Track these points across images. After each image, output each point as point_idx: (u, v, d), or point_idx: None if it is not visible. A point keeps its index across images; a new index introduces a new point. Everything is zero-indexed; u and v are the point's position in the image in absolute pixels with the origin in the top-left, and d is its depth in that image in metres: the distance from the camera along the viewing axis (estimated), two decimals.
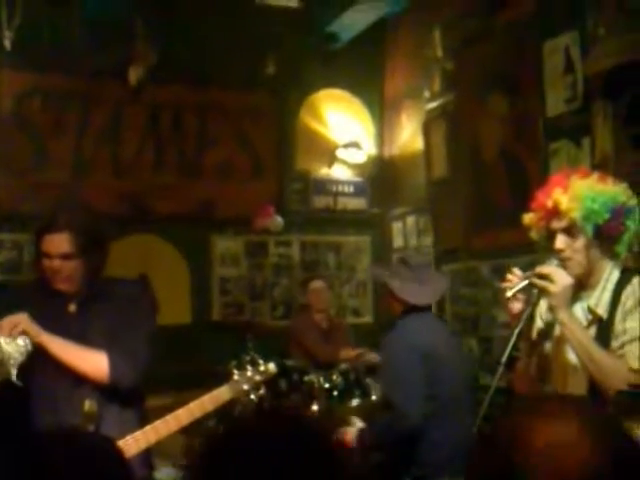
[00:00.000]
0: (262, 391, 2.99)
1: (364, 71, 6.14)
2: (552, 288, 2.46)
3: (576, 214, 2.55)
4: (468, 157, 5.08)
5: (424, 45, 5.53)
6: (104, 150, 5.53)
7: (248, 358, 3.01)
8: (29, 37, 4.97)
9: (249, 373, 2.99)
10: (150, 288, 5.44)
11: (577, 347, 2.45)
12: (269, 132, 5.97)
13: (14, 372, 2.59)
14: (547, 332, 2.80)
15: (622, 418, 1.85)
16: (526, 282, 2.55)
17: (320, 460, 1.19)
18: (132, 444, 2.71)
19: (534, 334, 2.83)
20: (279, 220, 5.83)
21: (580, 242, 2.59)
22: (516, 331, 2.43)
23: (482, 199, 4.94)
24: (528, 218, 2.80)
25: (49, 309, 2.91)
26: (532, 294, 2.56)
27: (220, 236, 5.84)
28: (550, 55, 4.31)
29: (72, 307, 2.94)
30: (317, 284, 5.48)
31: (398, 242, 5.96)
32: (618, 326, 2.50)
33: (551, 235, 2.67)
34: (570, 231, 2.62)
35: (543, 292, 2.56)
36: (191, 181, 5.74)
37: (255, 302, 5.91)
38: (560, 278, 2.48)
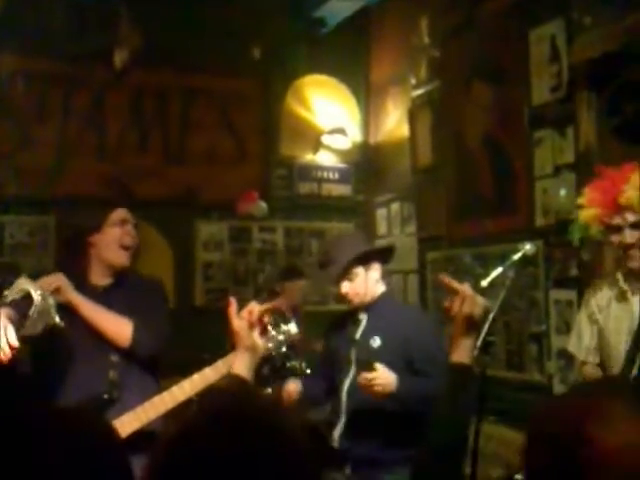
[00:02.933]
0: (284, 349, 3.03)
1: (350, 57, 6.13)
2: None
3: None
4: (453, 145, 5.08)
5: (410, 32, 5.52)
6: (88, 134, 5.49)
7: (269, 319, 3.04)
8: (13, 20, 4.92)
9: (272, 332, 3.03)
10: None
11: None
12: (254, 117, 5.95)
13: (57, 319, 2.75)
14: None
15: None
16: (500, 270, 2.57)
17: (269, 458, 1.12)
18: (150, 409, 2.84)
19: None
20: (263, 206, 5.82)
21: None
22: (491, 316, 2.45)
23: (466, 187, 4.95)
24: (588, 215, 2.88)
25: (77, 287, 3.01)
26: (508, 280, 2.59)
27: (204, 221, 5.82)
28: (536, 44, 4.31)
29: (102, 283, 3.07)
30: (298, 285, 5.32)
31: (382, 229, 5.96)
32: None
33: (614, 229, 2.76)
34: (638, 225, 2.73)
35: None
36: (175, 166, 5.72)
37: (239, 287, 5.90)
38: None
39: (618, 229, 2.80)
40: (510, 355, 4.44)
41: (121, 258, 3.05)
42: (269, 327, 3.01)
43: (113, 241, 3.03)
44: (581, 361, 3.12)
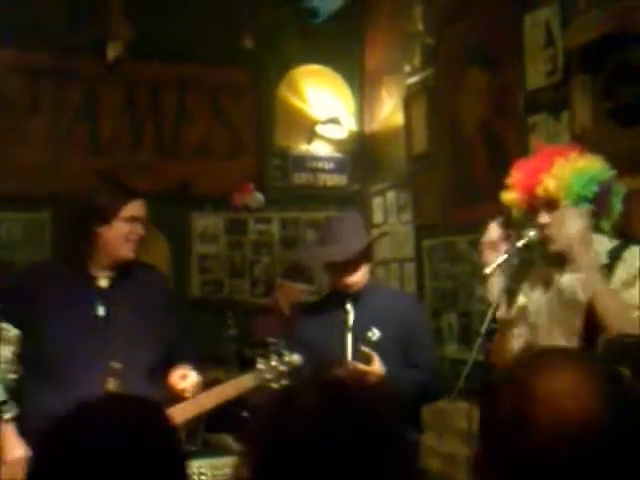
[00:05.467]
0: (285, 381, 2.99)
1: (344, 46, 6.09)
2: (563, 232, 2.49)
3: (566, 201, 2.59)
4: (448, 132, 5.06)
5: (404, 20, 5.49)
6: (81, 128, 5.46)
7: (274, 348, 3.02)
8: (4, 14, 4.89)
9: (273, 362, 3.01)
10: None
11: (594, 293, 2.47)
12: (248, 108, 5.92)
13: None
14: (527, 311, 2.81)
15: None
16: (505, 257, 2.56)
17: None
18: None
19: (514, 310, 2.83)
20: (259, 197, 5.80)
21: None
22: (494, 304, 2.44)
23: (461, 174, 4.92)
24: (509, 198, 2.80)
25: (76, 285, 2.96)
26: (511, 267, 2.58)
27: (199, 214, 5.80)
28: (530, 28, 4.28)
29: (103, 282, 3.01)
30: (299, 286, 5.24)
31: (378, 218, 5.94)
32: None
33: (533, 210, 2.69)
34: (553, 205, 2.64)
35: (548, 242, 2.59)
36: (169, 158, 5.69)
37: (235, 279, 5.88)
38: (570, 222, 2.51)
39: (536, 210, 2.73)
40: None
41: (126, 251, 3.01)
42: (271, 356, 3.00)
43: (120, 236, 2.99)
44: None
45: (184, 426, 2.86)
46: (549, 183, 2.63)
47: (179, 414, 2.82)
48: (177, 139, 5.72)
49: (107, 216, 2.98)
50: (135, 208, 3.04)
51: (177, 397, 2.95)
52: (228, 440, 3.91)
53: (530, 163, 2.80)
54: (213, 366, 4.57)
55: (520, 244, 2.78)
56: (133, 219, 3.02)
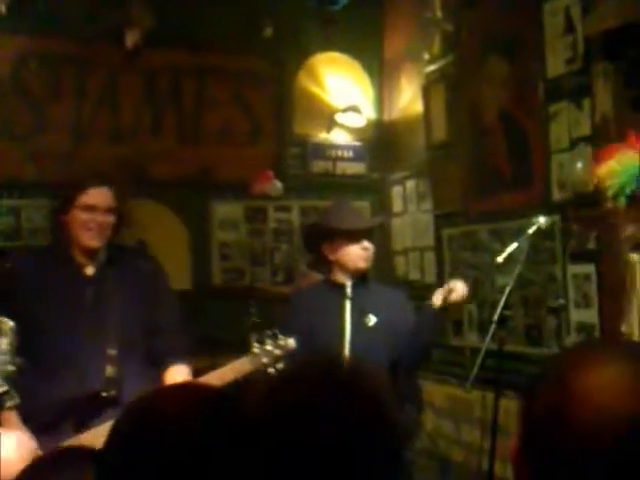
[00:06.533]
0: (281, 365, 3.03)
1: (363, 34, 6.07)
2: None
3: (610, 191, 2.64)
4: (468, 120, 5.04)
5: (423, 7, 5.47)
6: (101, 115, 5.48)
7: (269, 332, 3.06)
8: (25, 1, 4.91)
9: (269, 347, 3.05)
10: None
11: None
12: (267, 96, 5.93)
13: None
14: None
15: None
16: (516, 245, 2.58)
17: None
18: None
19: None
20: (278, 185, 5.80)
21: None
22: (507, 290, 2.46)
23: (481, 163, 4.91)
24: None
25: (63, 273, 2.97)
26: (523, 254, 2.60)
27: (219, 201, 5.81)
28: (550, 16, 4.25)
29: (89, 270, 3.02)
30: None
31: (397, 206, 5.94)
32: None
33: None
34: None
35: None
36: (190, 146, 5.71)
37: (255, 267, 5.90)
38: None
39: None
40: (528, 330, 4.42)
41: (87, 240, 2.99)
42: (267, 341, 3.05)
43: (79, 225, 2.98)
44: None
45: None
46: (599, 174, 2.69)
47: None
48: (197, 126, 5.74)
49: (65, 205, 2.98)
50: (92, 197, 2.99)
51: None
52: None
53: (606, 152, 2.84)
54: (234, 354, 4.60)
55: (530, 231, 2.80)
56: (90, 207, 2.98)
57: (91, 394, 2.80)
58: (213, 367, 4.39)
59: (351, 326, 3.30)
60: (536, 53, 4.34)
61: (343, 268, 3.39)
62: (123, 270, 3.07)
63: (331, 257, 3.40)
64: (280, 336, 3.10)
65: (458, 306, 3.21)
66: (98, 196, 3.00)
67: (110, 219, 3.02)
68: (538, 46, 4.32)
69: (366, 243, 3.36)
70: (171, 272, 5.52)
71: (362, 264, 3.37)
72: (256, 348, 3.08)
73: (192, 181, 5.61)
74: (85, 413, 2.76)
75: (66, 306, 2.94)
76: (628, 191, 2.64)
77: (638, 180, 2.63)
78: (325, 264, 3.45)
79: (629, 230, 2.73)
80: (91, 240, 2.99)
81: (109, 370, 2.84)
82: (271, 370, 3.05)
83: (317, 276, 5.14)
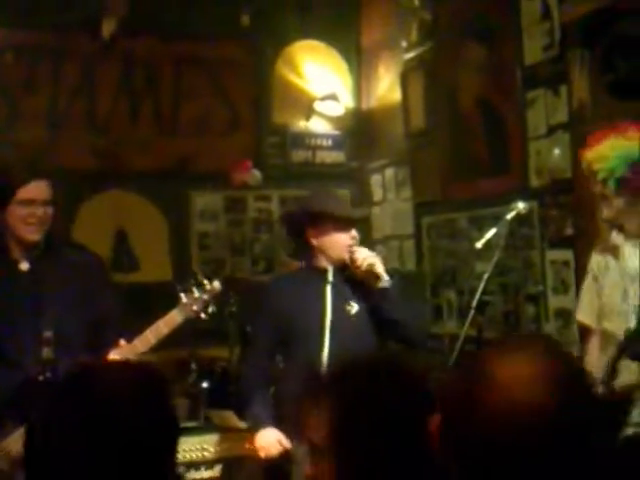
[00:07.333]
0: (212, 309, 3.06)
1: (341, 22, 6.05)
2: None
3: (601, 174, 2.67)
4: (446, 107, 5.04)
5: None
6: (78, 106, 5.44)
7: (192, 280, 3.08)
8: None
9: (196, 294, 3.06)
10: (127, 245, 5.44)
11: None
12: (245, 85, 5.89)
13: None
14: None
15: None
16: (494, 231, 2.59)
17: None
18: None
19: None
20: (258, 174, 5.78)
21: None
22: (485, 276, 2.46)
23: (460, 150, 4.92)
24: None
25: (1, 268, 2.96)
26: (502, 240, 2.61)
27: (198, 191, 5.79)
28: (527, 2, 4.26)
29: (24, 265, 3.01)
30: None
31: (377, 195, 5.94)
32: None
33: None
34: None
35: None
36: (167, 136, 5.67)
37: (236, 257, 5.89)
38: None
39: None
40: (507, 316, 4.44)
41: (26, 233, 2.97)
42: (193, 289, 3.06)
43: (18, 219, 2.95)
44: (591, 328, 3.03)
45: None
46: (588, 157, 2.71)
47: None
48: (175, 116, 5.70)
49: (3, 200, 2.96)
50: (31, 191, 2.96)
51: None
52: (230, 416, 3.94)
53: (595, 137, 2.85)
54: (215, 343, 4.61)
55: (509, 217, 2.81)
56: (29, 202, 2.95)
57: (29, 379, 2.76)
58: (194, 356, 4.41)
59: (332, 312, 3.23)
60: (513, 40, 4.35)
61: (325, 254, 3.32)
62: (59, 261, 3.06)
63: (315, 242, 3.32)
64: (205, 281, 3.11)
65: (370, 272, 3.19)
66: (37, 190, 2.98)
67: (49, 212, 3.01)
68: (515, 33, 4.32)
69: (354, 232, 3.32)
70: (151, 263, 5.57)
71: (346, 254, 3.32)
72: (183, 298, 3.07)
73: (171, 171, 5.58)
74: (24, 402, 2.72)
75: (1, 300, 2.93)
76: (618, 175, 2.67)
77: (627, 164, 2.67)
78: (306, 249, 3.40)
79: (613, 211, 2.75)
80: (32, 234, 2.98)
81: (46, 352, 2.79)
82: (202, 316, 3.07)
83: (298, 265, 5.15)
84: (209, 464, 3.53)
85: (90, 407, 1.27)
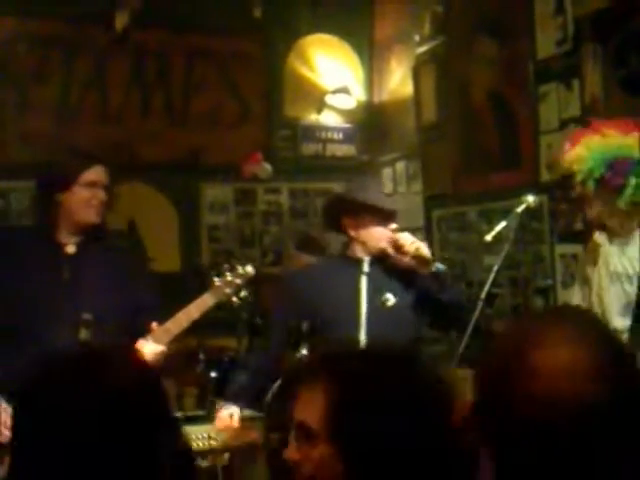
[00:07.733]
0: (244, 293, 3.09)
1: (353, 15, 6.04)
2: None
3: (579, 176, 2.65)
4: (458, 101, 5.03)
5: None
6: (90, 97, 5.45)
7: (226, 265, 3.11)
8: None
9: (229, 277, 3.10)
10: (138, 236, 5.45)
11: None
12: (257, 78, 5.90)
13: None
14: None
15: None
16: (504, 224, 2.59)
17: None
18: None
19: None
20: (268, 167, 5.79)
21: None
22: (495, 268, 2.46)
23: (471, 144, 4.91)
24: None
25: (43, 251, 3.00)
26: (511, 233, 2.61)
27: (208, 183, 5.80)
28: None
29: (70, 248, 3.06)
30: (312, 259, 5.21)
31: (388, 188, 5.93)
32: None
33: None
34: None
35: None
36: (178, 128, 5.68)
37: (245, 249, 5.90)
38: None
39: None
40: (515, 309, 4.43)
41: (89, 216, 3.03)
42: (226, 273, 3.09)
43: (81, 201, 3.01)
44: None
45: (155, 359, 2.92)
46: (568, 157, 2.69)
47: (149, 348, 2.95)
48: (186, 108, 5.71)
49: (67, 183, 3.01)
50: (95, 174, 3.05)
51: None
52: None
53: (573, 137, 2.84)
54: (224, 333, 4.62)
55: (519, 210, 2.81)
56: (93, 184, 3.04)
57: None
58: (202, 346, 4.43)
59: (367, 304, 3.15)
60: (526, 34, 4.34)
61: (363, 246, 3.26)
62: (101, 249, 3.11)
63: (352, 233, 3.27)
64: (238, 266, 3.13)
65: (419, 257, 3.18)
66: (100, 174, 3.07)
67: (105, 197, 3.07)
68: (528, 27, 4.31)
69: (394, 225, 3.25)
70: (160, 254, 5.58)
71: (385, 246, 3.29)
72: (217, 281, 3.11)
73: (181, 163, 5.59)
74: None
75: (43, 283, 2.96)
76: (596, 175, 2.66)
77: (605, 163, 2.65)
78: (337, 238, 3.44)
79: (594, 211, 2.74)
80: (93, 216, 3.05)
81: (83, 333, 2.84)
82: (235, 300, 3.10)
83: (306, 258, 5.14)
84: (216, 453, 3.55)
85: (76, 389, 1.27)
